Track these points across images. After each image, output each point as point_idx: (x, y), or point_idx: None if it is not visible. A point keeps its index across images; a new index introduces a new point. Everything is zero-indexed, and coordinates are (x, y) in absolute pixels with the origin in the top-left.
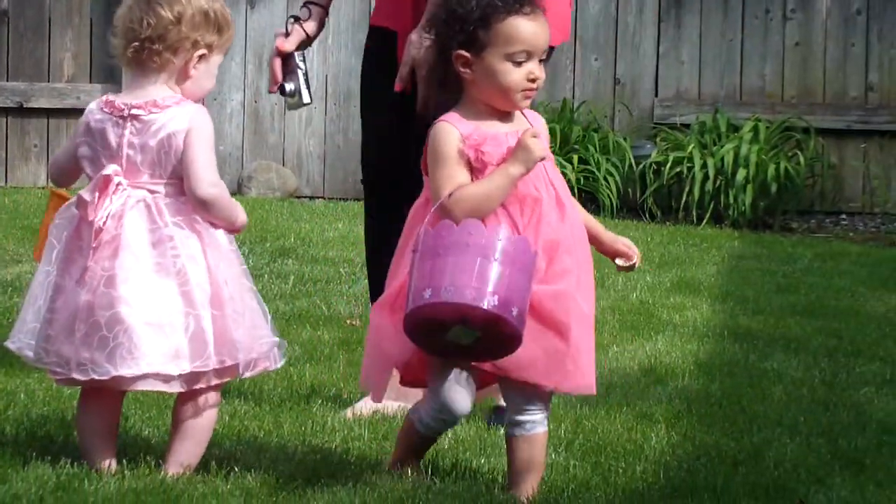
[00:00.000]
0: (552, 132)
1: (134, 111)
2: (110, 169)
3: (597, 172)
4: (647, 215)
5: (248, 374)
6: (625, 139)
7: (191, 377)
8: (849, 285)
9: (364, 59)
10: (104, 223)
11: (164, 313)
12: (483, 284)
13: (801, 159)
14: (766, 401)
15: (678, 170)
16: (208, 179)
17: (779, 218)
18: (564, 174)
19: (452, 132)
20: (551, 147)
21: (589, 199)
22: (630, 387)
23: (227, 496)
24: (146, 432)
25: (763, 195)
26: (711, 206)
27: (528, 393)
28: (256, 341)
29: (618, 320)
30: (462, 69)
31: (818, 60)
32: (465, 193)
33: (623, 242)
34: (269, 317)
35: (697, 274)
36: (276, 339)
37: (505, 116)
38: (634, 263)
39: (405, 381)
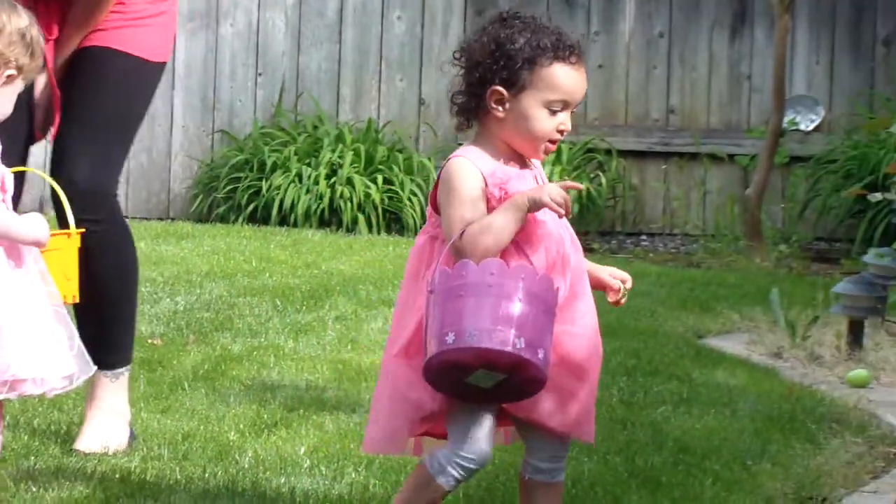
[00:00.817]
0: (356, 152)
1: None
2: None
3: (401, 192)
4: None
5: (5, 394)
6: (429, 159)
7: None
8: (648, 305)
9: None
10: None
11: None
12: (508, 327)
13: (603, 180)
14: None
15: None
16: None
17: (580, 238)
18: (368, 195)
19: (472, 170)
20: (356, 167)
21: (393, 219)
22: None
23: None
24: None
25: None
26: None
27: (553, 438)
28: (26, 363)
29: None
30: (494, 105)
31: (621, 82)
32: (476, 230)
33: (610, 273)
34: (76, 341)
35: None
36: (69, 365)
37: (519, 159)
38: (620, 299)
39: (420, 433)
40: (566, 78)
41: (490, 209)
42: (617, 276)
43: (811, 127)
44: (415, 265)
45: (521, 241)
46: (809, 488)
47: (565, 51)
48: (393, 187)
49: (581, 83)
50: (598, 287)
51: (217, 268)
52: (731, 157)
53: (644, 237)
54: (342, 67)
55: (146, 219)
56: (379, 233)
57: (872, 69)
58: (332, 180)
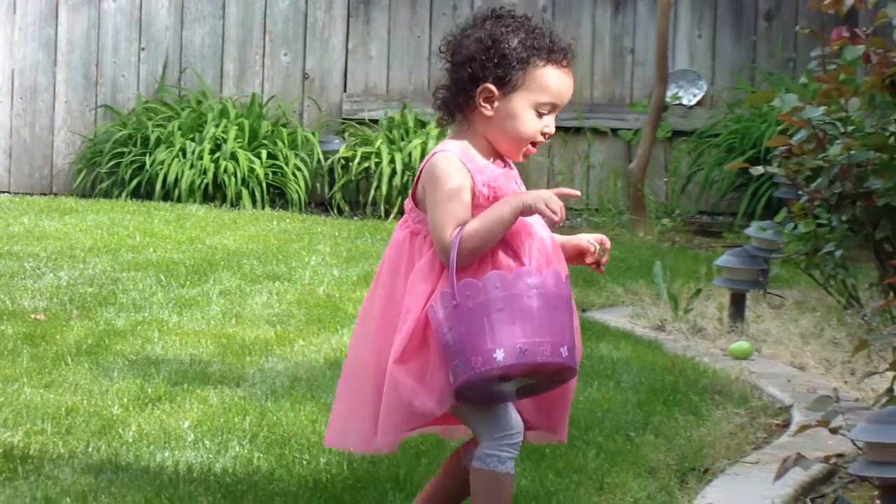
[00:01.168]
0: (240, 127)
1: None
2: None
3: (285, 167)
4: (335, 210)
5: None
6: (313, 134)
7: None
8: None
9: None
10: None
11: None
12: (555, 336)
13: None
14: None
15: (366, 165)
16: None
17: None
18: (253, 169)
19: (459, 166)
20: (240, 142)
21: (278, 194)
22: (316, 380)
23: None
24: None
25: None
26: (399, 200)
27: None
28: None
29: (304, 314)
30: (483, 103)
31: None
32: (471, 231)
33: (586, 238)
34: None
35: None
36: None
37: (499, 158)
38: (599, 259)
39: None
40: (557, 81)
41: (476, 207)
42: (594, 239)
43: (694, 101)
44: (395, 260)
45: (511, 243)
46: (692, 459)
47: (558, 54)
48: (277, 162)
49: (570, 87)
50: (576, 254)
51: (101, 243)
52: (615, 131)
53: None
54: (226, 42)
55: (29, 194)
56: (263, 207)
57: (754, 43)
58: (217, 155)
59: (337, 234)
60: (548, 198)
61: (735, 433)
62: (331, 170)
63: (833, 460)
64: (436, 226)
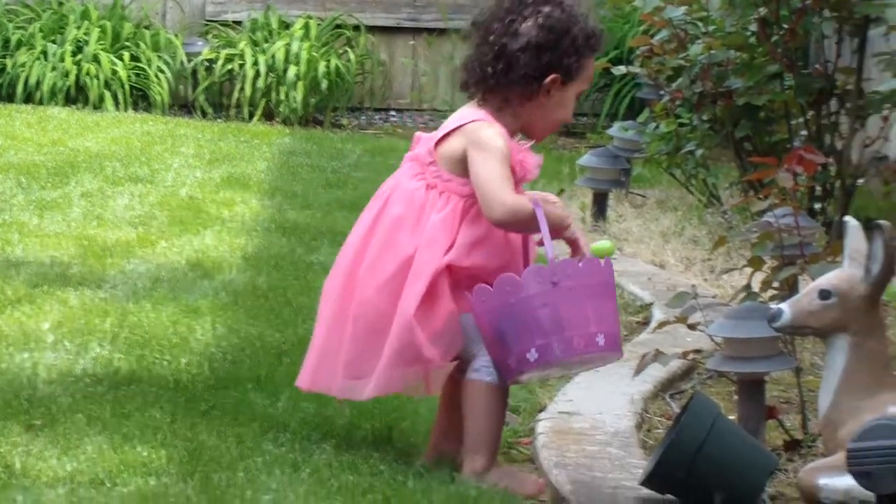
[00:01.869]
0: (102, 29)
1: None
2: None
3: (148, 70)
4: (199, 112)
5: None
6: (176, 36)
7: None
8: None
9: None
10: None
11: None
12: (609, 324)
13: (352, 56)
14: (311, 292)
15: (230, 67)
16: None
17: (329, 115)
18: (115, 72)
19: (505, 137)
20: (102, 44)
21: (141, 96)
22: (177, 281)
23: None
24: None
25: (314, 92)
26: (263, 103)
27: None
28: None
29: (167, 216)
30: (548, 92)
31: None
32: (528, 209)
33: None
34: None
35: (247, 170)
36: None
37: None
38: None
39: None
40: (592, 69)
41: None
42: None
43: None
44: (403, 210)
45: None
46: None
47: (598, 42)
48: (140, 64)
49: None
50: None
51: None
52: None
53: (393, 113)
54: None
55: None
56: (126, 110)
57: None
58: (78, 57)
59: (200, 136)
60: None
61: None
62: (194, 72)
63: (691, 356)
64: (492, 184)
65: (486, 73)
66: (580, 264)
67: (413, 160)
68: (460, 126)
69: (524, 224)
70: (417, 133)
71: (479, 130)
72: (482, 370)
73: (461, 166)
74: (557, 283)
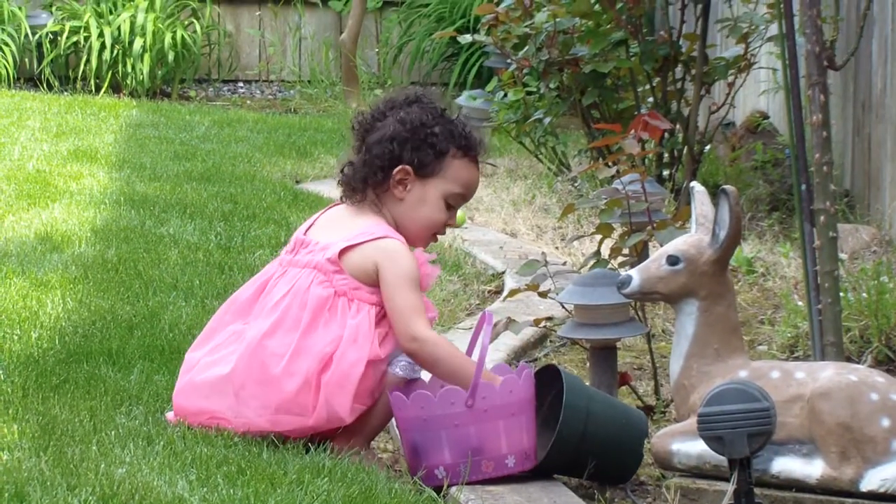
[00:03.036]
0: None
1: None
2: None
3: None
4: (44, 85)
5: None
6: (20, 9)
7: None
8: (245, 151)
9: None
10: None
11: None
12: (521, 442)
13: (198, 27)
14: (162, 265)
15: (75, 39)
16: None
17: (177, 86)
18: None
19: (410, 254)
20: None
21: None
22: (26, 255)
23: None
24: None
25: (161, 64)
26: (110, 75)
27: None
28: None
29: (14, 190)
30: (397, 185)
31: None
32: (450, 351)
33: None
34: None
35: (95, 143)
36: None
37: None
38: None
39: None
40: (468, 174)
41: None
42: None
43: None
44: (313, 316)
45: None
46: None
47: (473, 148)
48: None
49: (478, 180)
50: None
51: None
52: (325, 1)
53: (241, 84)
54: None
55: None
56: None
57: None
58: None
59: (47, 109)
60: None
61: (448, 300)
62: (39, 45)
63: (543, 324)
64: (404, 314)
65: (348, 167)
66: (499, 386)
67: (316, 269)
68: (369, 241)
69: (431, 358)
70: (297, 235)
71: (389, 248)
72: (395, 364)
73: (372, 277)
74: (472, 406)
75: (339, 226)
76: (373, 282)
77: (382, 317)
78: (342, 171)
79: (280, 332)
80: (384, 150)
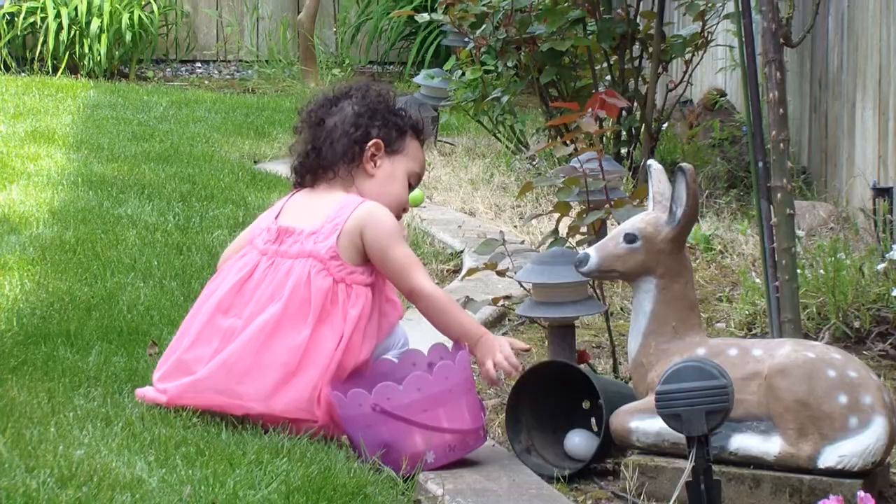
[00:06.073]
0: None
1: None
2: None
3: None
4: (1, 66)
5: None
6: None
7: None
8: (203, 132)
9: None
10: None
11: None
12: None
13: (155, 8)
14: (120, 246)
15: (32, 20)
16: None
17: (134, 67)
18: None
19: (391, 212)
20: None
21: None
22: None
23: None
24: None
25: (118, 44)
26: (67, 56)
27: None
28: None
29: None
30: (370, 160)
31: None
32: (447, 300)
33: None
34: None
35: (53, 124)
36: None
37: None
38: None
39: None
40: (422, 155)
41: None
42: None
43: None
44: (318, 306)
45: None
46: None
47: (421, 128)
48: None
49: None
50: None
51: None
52: None
53: (199, 64)
54: None
55: None
56: None
57: None
58: None
59: (4, 90)
60: (507, 352)
61: None
62: None
63: (501, 302)
64: (402, 269)
65: (310, 151)
66: (431, 375)
67: (311, 257)
68: (351, 213)
69: (435, 310)
70: (269, 224)
71: (374, 214)
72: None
73: (362, 251)
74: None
75: (313, 208)
76: (363, 258)
77: (379, 302)
78: (306, 155)
79: (287, 326)
80: (357, 124)
